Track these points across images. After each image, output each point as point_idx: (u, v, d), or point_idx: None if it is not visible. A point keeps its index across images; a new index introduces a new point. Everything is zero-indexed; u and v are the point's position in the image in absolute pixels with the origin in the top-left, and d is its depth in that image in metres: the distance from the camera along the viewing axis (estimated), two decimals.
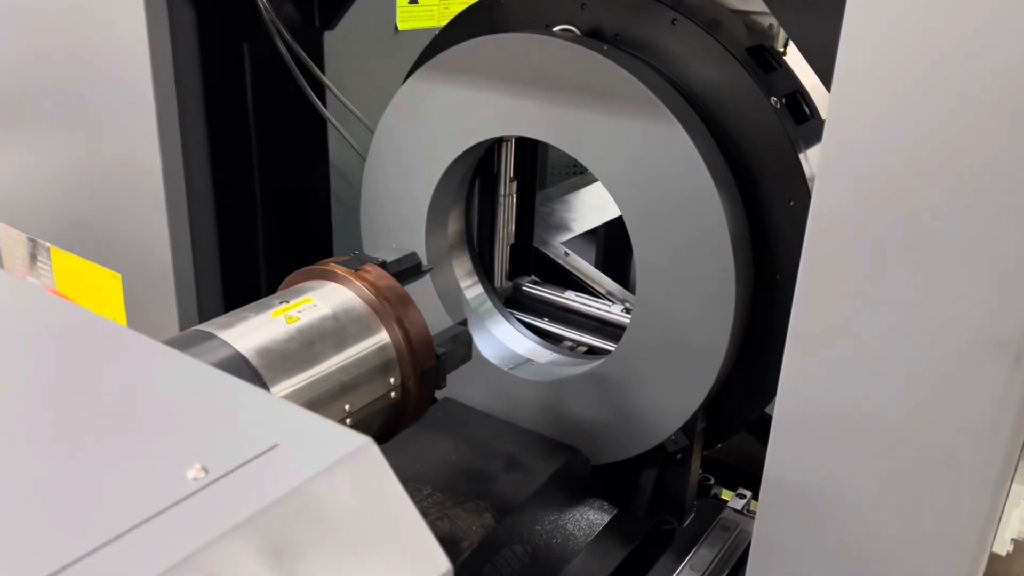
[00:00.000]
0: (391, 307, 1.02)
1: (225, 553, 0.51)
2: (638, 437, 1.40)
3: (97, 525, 0.52)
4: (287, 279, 1.12)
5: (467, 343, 1.12)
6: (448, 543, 1.26)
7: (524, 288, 1.71)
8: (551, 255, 1.85)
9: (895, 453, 0.95)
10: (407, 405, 1.05)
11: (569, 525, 1.43)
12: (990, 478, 0.90)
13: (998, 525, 1.08)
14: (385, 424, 1.07)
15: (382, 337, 1.04)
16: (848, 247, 0.91)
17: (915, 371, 0.91)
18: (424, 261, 1.21)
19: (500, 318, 1.62)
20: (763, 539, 1.08)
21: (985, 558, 0.98)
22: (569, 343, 1.64)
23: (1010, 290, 0.84)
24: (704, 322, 1.26)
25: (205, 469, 0.57)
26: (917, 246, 0.87)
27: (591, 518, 1.45)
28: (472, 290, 1.62)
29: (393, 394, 1.03)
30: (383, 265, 1.11)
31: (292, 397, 0.94)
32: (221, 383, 0.69)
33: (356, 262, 1.09)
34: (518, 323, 1.64)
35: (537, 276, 1.76)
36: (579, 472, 1.46)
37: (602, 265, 2.14)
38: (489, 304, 1.63)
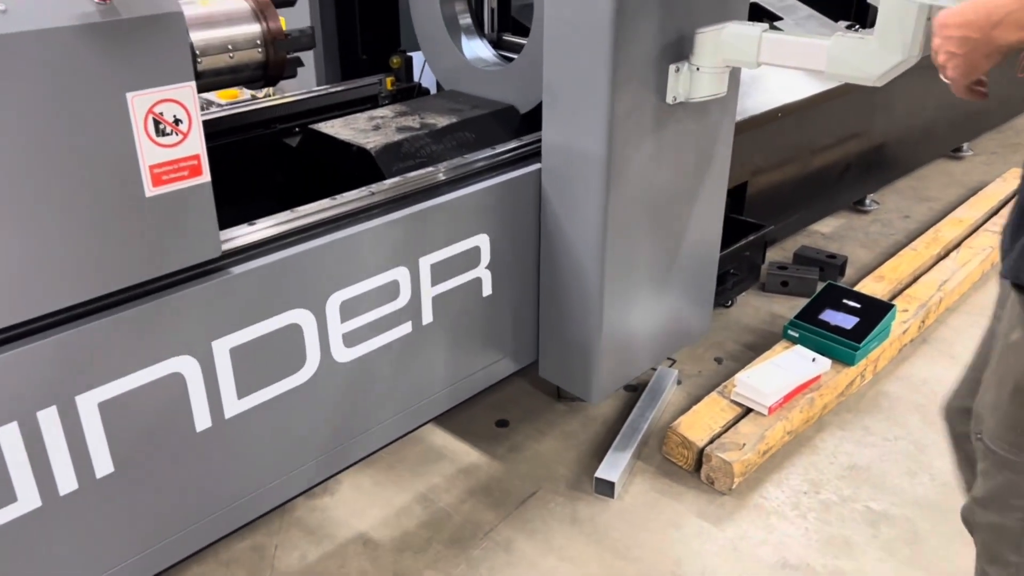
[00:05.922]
0: (259, 7, 2.23)
1: None
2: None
3: None
4: None
5: (310, 35, 2.30)
6: (429, 126, 2.55)
7: (504, 38, 2.96)
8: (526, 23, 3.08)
9: None
10: (268, 62, 2.25)
11: (502, 131, 2.67)
12: None
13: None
14: (257, 70, 2.20)
15: (255, 26, 2.24)
16: None
17: None
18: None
19: (481, 45, 2.89)
20: None
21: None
22: None
23: None
24: None
25: None
26: None
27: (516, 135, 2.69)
28: (467, 27, 2.89)
29: (259, 52, 2.25)
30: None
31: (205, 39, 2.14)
32: None
33: None
34: (492, 48, 2.90)
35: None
36: (513, 116, 2.70)
37: None
38: (477, 38, 2.89)
